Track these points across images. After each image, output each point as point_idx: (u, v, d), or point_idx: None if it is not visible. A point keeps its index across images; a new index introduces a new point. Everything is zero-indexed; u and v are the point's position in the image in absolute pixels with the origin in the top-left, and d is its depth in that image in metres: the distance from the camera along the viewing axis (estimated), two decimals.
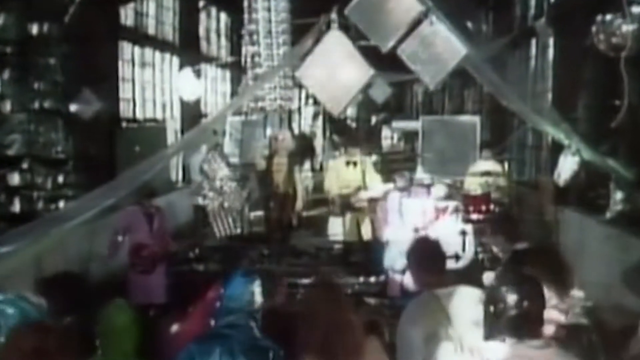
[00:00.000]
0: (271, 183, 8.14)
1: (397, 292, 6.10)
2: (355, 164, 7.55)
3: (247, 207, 9.45)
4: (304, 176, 10.71)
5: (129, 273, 5.57)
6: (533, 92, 9.51)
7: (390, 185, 6.83)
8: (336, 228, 7.94)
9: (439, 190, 7.44)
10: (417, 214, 6.30)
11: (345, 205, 7.47)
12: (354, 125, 16.37)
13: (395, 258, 6.07)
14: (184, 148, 7.99)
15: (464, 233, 7.07)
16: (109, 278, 5.79)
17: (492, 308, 2.11)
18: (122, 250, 5.52)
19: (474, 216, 7.38)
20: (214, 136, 9.15)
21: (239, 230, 8.74)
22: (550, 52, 8.88)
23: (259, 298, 2.54)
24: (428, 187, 6.87)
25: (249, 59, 8.09)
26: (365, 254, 7.40)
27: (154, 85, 9.46)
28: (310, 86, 6.32)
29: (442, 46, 5.94)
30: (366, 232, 7.44)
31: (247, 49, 8.07)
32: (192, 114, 10.26)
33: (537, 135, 9.17)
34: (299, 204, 8.26)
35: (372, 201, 7.35)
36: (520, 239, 7.54)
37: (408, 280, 5.91)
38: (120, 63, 8.26)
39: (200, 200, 8.47)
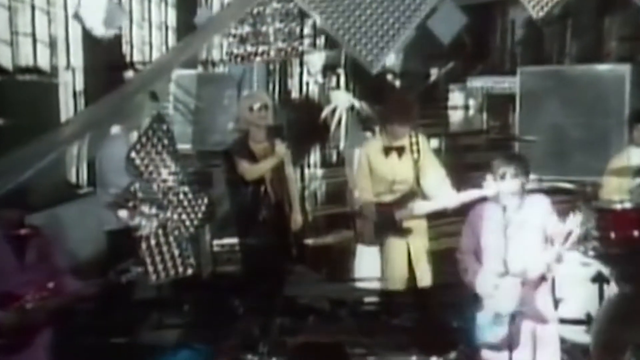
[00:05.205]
0: (251, 187, 8.05)
1: None
2: (401, 151, 7.60)
3: (207, 231, 9.41)
4: (310, 174, 10.63)
5: None
6: None
7: (475, 191, 6.75)
8: (368, 265, 8.00)
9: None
10: (534, 246, 6.11)
11: (386, 223, 7.49)
12: (397, 83, 16.27)
13: (487, 323, 5.99)
14: (93, 124, 7.93)
15: (601, 279, 7.16)
16: None
17: None
18: None
19: (620, 249, 7.32)
20: (150, 103, 9.09)
21: (193, 271, 8.63)
22: None
23: None
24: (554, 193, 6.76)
25: None
26: (422, 312, 7.50)
27: (33, 8, 9.38)
28: (325, 18, 6.23)
29: None
30: (423, 272, 7.51)
31: None
32: (106, 61, 10.24)
33: None
34: (297, 222, 8.20)
35: (436, 218, 7.52)
36: None
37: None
38: None
39: (124, 218, 8.39)
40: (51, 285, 5.65)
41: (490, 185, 6.64)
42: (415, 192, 7.50)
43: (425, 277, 7.51)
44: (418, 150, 7.61)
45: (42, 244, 5.75)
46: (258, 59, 8.94)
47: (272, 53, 8.75)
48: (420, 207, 7.42)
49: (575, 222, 6.23)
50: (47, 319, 5.66)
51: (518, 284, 5.87)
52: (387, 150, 7.62)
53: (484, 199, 6.39)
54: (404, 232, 7.48)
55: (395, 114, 7.78)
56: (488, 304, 5.98)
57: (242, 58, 8.97)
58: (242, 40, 8.41)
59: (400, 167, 7.58)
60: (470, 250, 6.20)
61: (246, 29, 8.49)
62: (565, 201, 8.95)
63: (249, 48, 8.63)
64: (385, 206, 7.53)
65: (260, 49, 8.63)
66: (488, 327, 5.94)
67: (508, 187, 5.88)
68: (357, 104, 12.57)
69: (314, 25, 13.59)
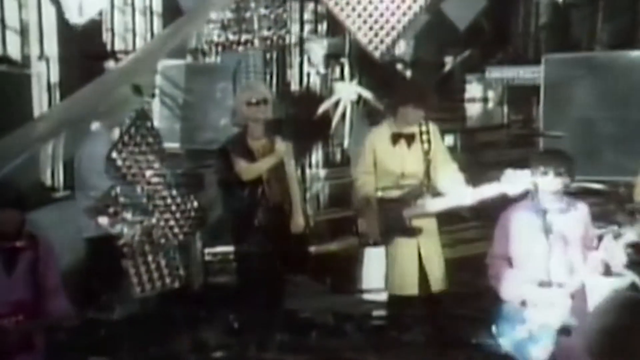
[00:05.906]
0: (247, 188, 8.03)
1: None
2: (411, 139, 7.60)
3: (198, 238, 9.37)
4: (312, 175, 10.63)
5: None
6: None
7: (492, 187, 6.82)
8: (376, 275, 8.01)
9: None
10: (579, 254, 6.12)
11: (393, 221, 7.47)
12: (408, 73, 16.26)
13: (529, 336, 5.99)
14: (70, 120, 7.89)
15: (635, 290, 7.23)
16: None
17: None
18: None
19: None
20: (134, 97, 9.07)
21: (183, 282, 8.58)
22: None
23: None
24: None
25: None
26: (436, 326, 7.52)
27: None
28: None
29: None
30: (436, 276, 7.48)
31: None
32: (84, 50, 10.25)
33: None
34: (298, 226, 8.21)
35: (451, 223, 7.68)
36: None
37: None
38: None
39: (104, 225, 8.35)
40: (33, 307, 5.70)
41: (508, 181, 6.63)
42: (426, 187, 7.47)
43: (438, 282, 7.46)
44: (429, 140, 7.60)
45: (38, 258, 5.75)
46: (241, 48, 8.86)
47: (256, 42, 8.68)
48: (432, 204, 7.40)
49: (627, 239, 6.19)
50: (33, 340, 5.71)
51: (567, 296, 5.89)
52: (395, 138, 7.58)
53: (516, 200, 6.37)
54: (413, 232, 7.43)
55: (412, 94, 7.78)
56: (532, 315, 5.97)
57: (223, 47, 8.92)
58: (224, 27, 8.34)
59: (409, 158, 7.55)
60: (502, 256, 6.22)
61: (228, 15, 8.42)
62: (595, 204, 8.90)
63: (231, 36, 8.59)
64: (392, 203, 7.48)
65: (244, 37, 8.56)
66: (531, 341, 5.92)
67: (549, 186, 5.87)
68: (365, 93, 12.52)
69: (315, 11, 13.57)
